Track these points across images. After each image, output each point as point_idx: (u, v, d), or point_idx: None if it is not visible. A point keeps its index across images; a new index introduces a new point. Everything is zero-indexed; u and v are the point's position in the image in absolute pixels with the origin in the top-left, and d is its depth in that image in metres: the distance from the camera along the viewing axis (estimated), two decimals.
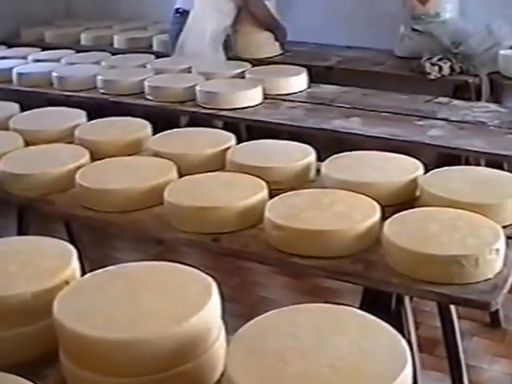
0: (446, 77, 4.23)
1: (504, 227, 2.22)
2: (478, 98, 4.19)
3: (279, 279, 4.00)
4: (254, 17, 4.66)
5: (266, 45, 4.80)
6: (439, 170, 2.53)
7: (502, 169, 3.33)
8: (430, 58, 4.25)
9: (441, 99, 3.68)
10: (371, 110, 3.52)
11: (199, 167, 2.70)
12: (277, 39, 4.80)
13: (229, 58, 4.66)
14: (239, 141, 2.95)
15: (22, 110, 3.53)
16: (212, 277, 1.68)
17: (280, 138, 2.96)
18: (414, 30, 4.60)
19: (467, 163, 3.54)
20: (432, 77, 4.19)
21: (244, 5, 4.60)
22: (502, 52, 4.23)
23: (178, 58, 4.47)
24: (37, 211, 2.85)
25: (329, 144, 3.52)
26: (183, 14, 4.55)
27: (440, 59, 4.24)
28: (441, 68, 4.21)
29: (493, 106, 3.60)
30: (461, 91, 4.24)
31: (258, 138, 2.93)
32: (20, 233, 3.48)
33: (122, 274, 1.73)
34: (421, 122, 3.32)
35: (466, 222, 2.13)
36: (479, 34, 4.37)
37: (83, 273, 1.87)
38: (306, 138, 3.24)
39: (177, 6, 4.62)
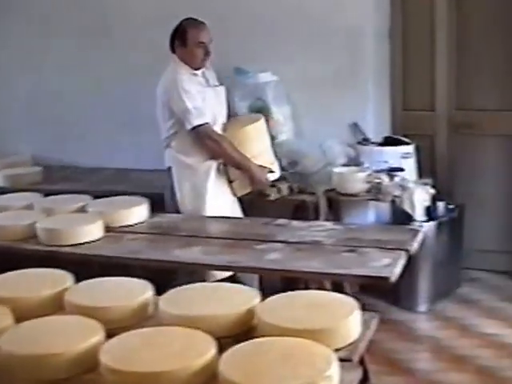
0: (285, 197, 4.37)
1: (340, 349, 2.30)
2: (317, 216, 4.34)
3: None
4: None
5: None
6: (275, 296, 2.59)
7: (342, 287, 3.46)
8: None
9: (280, 221, 3.79)
10: (212, 237, 3.58)
11: (38, 310, 2.66)
12: None
13: None
14: (90, 276, 2.92)
15: None
16: None
17: (127, 270, 2.96)
18: None
19: (306, 285, 3.62)
20: (271, 198, 4.33)
21: None
22: (335, 170, 4.45)
23: (23, 194, 4.38)
24: None
25: (172, 274, 3.55)
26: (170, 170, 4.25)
27: (278, 180, 4.39)
28: (279, 189, 4.36)
29: (329, 225, 3.73)
30: (300, 210, 4.40)
31: (107, 272, 2.93)
32: None
33: None
34: (260, 246, 3.39)
35: (299, 350, 2.18)
36: (313, 154, 4.59)
37: None
38: (149, 269, 3.25)
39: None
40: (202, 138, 4.06)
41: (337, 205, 4.66)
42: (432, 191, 4.49)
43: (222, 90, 4.33)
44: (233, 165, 4.15)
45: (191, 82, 4.10)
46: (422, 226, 4.26)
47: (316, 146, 4.67)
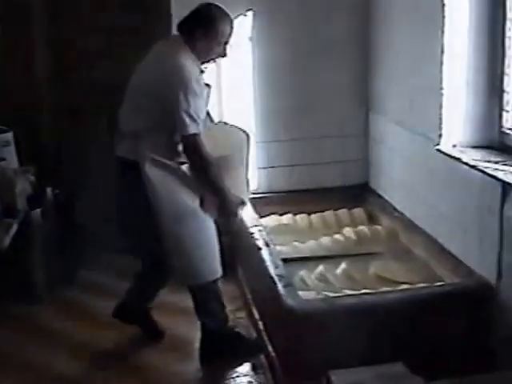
0: None
1: None
2: None
3: None
4: None
5: None
6: None
7: None
8: None
9: None
10: None
11: None
12: None
13: None
14: None
15: None
16: None
17: None
18: None
19: None
20: None
21: None
22: None
23: None
24: None
25: None
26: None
27: None
28: None
29: None
30: None
31: None
32: None
33: None
34: None
35: None
36: None
37: None
38: None
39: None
40: (189, 150, 3.46)
41: None
42: (33, 178, 4.34)
43: (210, 91, 3.69)
44: (209, 189, 3.56)
45: (199, 81, 3.48)
46: (26, 217, 4.14)
47: None
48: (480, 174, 3.38)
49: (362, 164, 5.01)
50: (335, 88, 4.80)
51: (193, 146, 3.45)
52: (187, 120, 3.39)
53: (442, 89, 3.75)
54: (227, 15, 3.57)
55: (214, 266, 3.65)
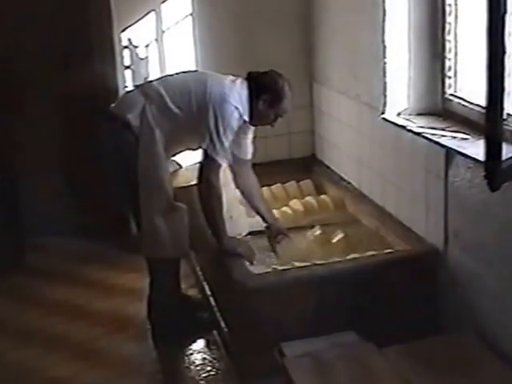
0: None
1: None
2: None
3: None
4: None
5: None
6: None
7: None
8: None
9: None
10: None
11: None
12: None
13: None
14: None
15: None
16: None
17: None
18: None
19: None
20: None
21: None
22: None
23: None
24: None
25: None
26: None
27: None
28: None
29: None
30: None
31: None
32: None
33: None
34: None
35: None
36: None
37: None
38: None
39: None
40: (205, 171, 3.47)
41: None
42: None
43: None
44: (207, 222, 3.54)
45: (238, 122, 3.53)
46: None
47: None
48: (425, 141, 3.40)
49: (308, 136, 5.00)
50: (279, 60, 4.72)
51: (209, 169, 3.46)
52: (217, 146, 3.43)
53: (384, 57, 3.74)
54: (290, 92, 3.63)
55: (178, 243, 3.61)
